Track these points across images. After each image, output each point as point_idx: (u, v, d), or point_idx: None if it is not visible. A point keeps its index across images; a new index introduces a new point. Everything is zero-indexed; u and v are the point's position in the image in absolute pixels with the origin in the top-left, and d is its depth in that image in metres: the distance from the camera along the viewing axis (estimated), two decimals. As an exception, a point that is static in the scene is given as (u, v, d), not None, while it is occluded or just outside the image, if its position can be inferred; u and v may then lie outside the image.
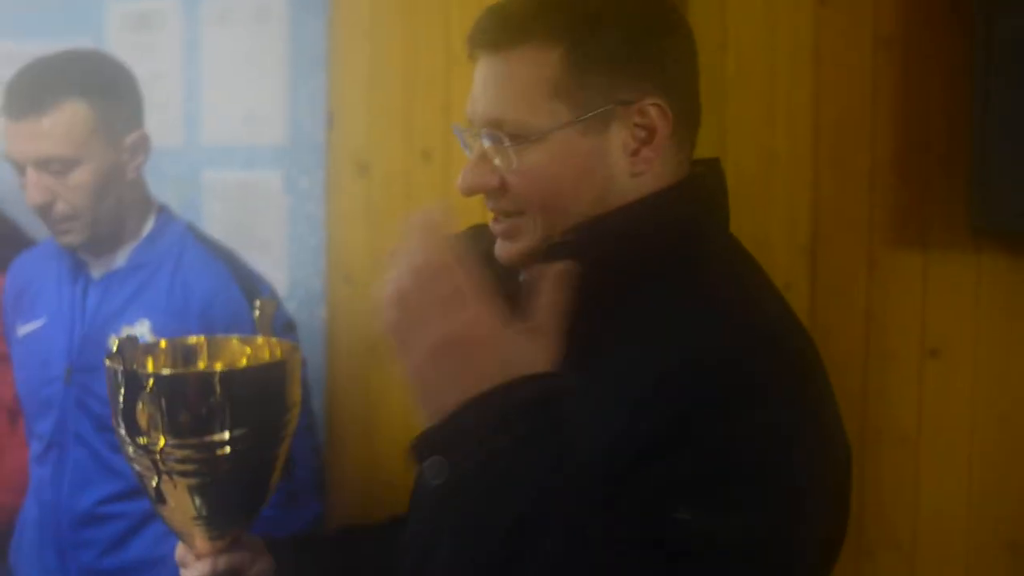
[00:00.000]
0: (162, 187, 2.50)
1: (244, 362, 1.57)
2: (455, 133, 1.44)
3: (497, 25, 1.36)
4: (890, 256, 2.33)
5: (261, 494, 1.53)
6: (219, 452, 1.42)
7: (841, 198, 2.37)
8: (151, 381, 1.39)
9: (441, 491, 1.16)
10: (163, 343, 1.59)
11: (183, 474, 1.43)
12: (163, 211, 2.37)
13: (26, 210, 2.32)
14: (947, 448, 2.30)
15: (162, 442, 1.40)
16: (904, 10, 2.28)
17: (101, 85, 2.24)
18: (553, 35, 1.32)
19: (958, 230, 2.25)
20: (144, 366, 1.52)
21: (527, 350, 1.19)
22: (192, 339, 1.60)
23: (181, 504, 1.46)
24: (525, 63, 1.33)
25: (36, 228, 2.61)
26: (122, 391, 1.39)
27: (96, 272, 2.31)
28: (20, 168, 2.21)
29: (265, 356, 1.57)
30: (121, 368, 1.40)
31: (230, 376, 1.47)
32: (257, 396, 1.44)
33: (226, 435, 1.42)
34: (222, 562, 1.51)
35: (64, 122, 2.18)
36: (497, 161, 1.35)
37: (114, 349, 1.41)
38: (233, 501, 1.49)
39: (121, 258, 2.31)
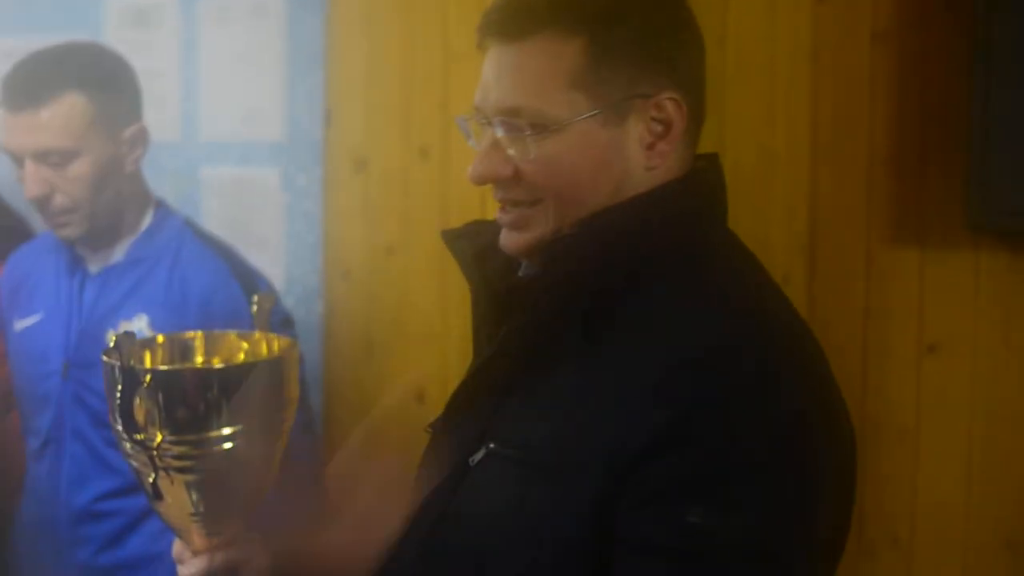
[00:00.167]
0: (160, 183, 2.50)
1: (242, 357, 1.56)
2: (457, 123, 1.43)
3: (514, 14, 1.35)
4: (888, 252, 2.34)
5: (259, 491, 1.52)
6: (216, 448, 1.42)
7: (839, 195, 2.37)
8: (148, 377, 1.39)
9: None
10: (160, 338, 1.58)
11: (180, 470, 1.42)
12: (161, 206, 2.36)
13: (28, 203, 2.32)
14: (945, 444, 2.31)
15: (159, 438, 1.40)
16: (901, 7, 2.28)
17: (100, 77, 2.24)
18: (574, 25, 1.32)
19: (956, 227, 2.26)
20: (141, 362, 1.51)
21: None
22: (189, 335, 1.59)
23: (178, 500, 1.45)
24: (544, 52, 1.32)
25: (39, 220, 2.60)
26: (119, 387, 1.39)
27: (94, 266, 2.31)
28: (19, 160, 2.21)
29: (263, 352, 1.56)
30: (118, 364, 1.40)
31: (228, 372, 1.47)
32: (255, 392, 1.43)
33: (224, 431, 1.41)
34: (219, 559, 1.50)
35: (63, 114, 2.18)
36: (511, 150, 1.34)
37: (111, 345, 1.41)
38: (230, 498, 1.48)
39: (119, 252, 2.30)
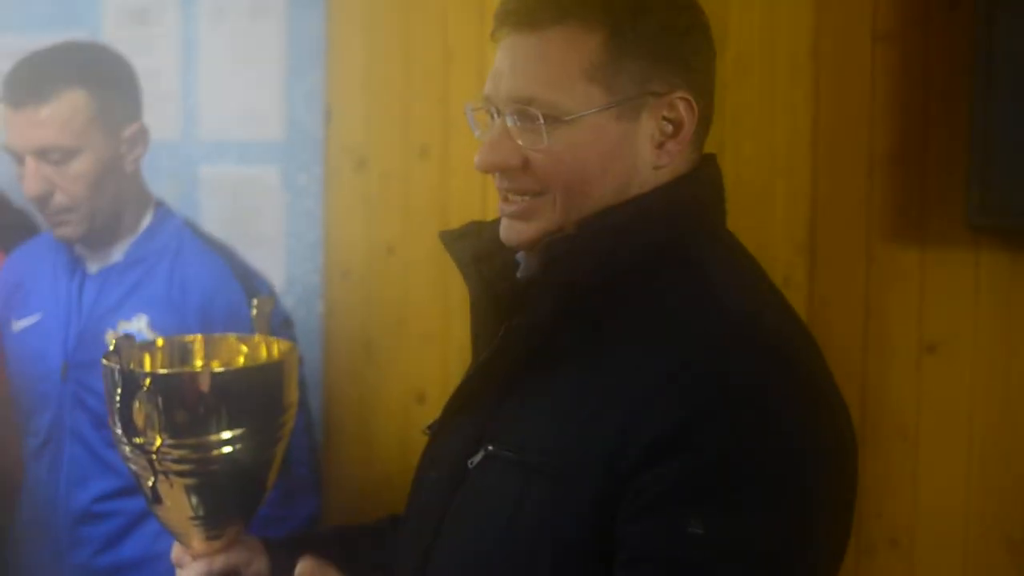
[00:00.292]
0: (160, 182, 2.50)
1: (241, 361, 1.57)
2: (465, 111, 1.43)
3: (533, 4, 1.34)
4: (888, 252, 2.33)
5: (258, 494, 1.52)
6: (216, 452, 1.42)
7: (839, 195, 2.36)
8: (148, 380, 1.39)
9: None
10: (160, 342, 1.58)
11: (180, 474, 1.42)
12: (161, 206, 2.36)
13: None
14: (945, 443, 2.30)
15: (158, 442, 1.40)
16: (903, 7, 2.27)
17: (100, 75, 2.24)
18: (594, 18, 1.32)
19: (956, 226, 2.25)
20: (141, 365, 1.52)
21: None
22: (189, 338, 1.59)
23: (177, 504, 1.45)
24: (562, 43, 1.32)
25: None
26: (118, 390, 1.39)
27: (93, 267, 2.31)
28: (19, 158, 2.21)
29: (262, 355, 1.57)
30: (118, 367, 1.40)
31: (227, 376, 1.47)
32: (254, 396, 1.43)
33: (223, 435, 1.41)
34: (218, 562, 1.51)
35: (64, 111, 2.18)
36: (520, 140, 1.34)
37: (111, 348, 1.41)
38: (230, 501, 1.48)
39: (118, 253, 2.30)
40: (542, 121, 1.32)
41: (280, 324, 2.26)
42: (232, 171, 3.02)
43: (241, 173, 3.01)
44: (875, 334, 2.35)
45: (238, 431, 1.42)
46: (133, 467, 1.45)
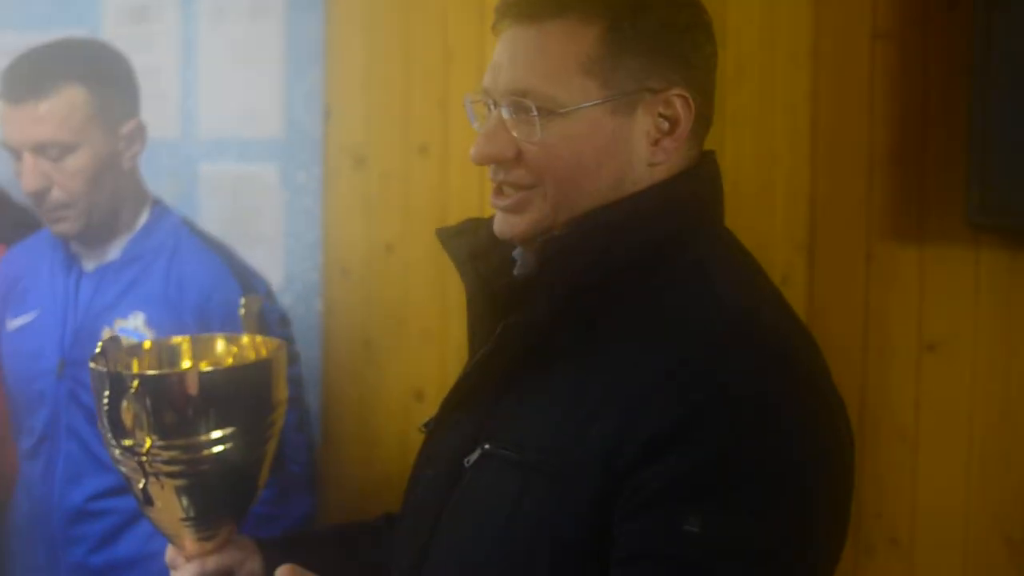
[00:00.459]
0: (159, 180, 2.50)
1: (230, 362, 1.57)
2: (465, 103, 1.43)
3: None
4: (888, 251, 2.33)
5: (249, 493, 1.52)
6: (206, 452, 1.42)
7: (839, 194, 2.36)
8: (136, 382, 1.39)
9: None
10: (147, 344, 1.58)
11: (170, 475, 1.42)
12: (158, 204, 2.36)
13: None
14: (945, 443, 2.30)
15: (148, 443, 1.40)
16: (902, 7, 2.27)
17: (99, 72, 2.25)
18: (594, 12, 1.32)
19: (956, 225, 2.24)
20: (129, 367, 1.51)
21: None
22: (176, 339, 1.60)
23: (169, 505, 1.45)
24: (561, 36, 1.32)
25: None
26: (106, 393, 1.39)
27: (89, 264, 2.31)
28: (17, 154, 2.22)
29: (251, 354, 1.57)
30: (105, 370, 1.40)
31: (215, 376, 1.47)
32: (242, 396, 1.43)
33: (212, 435, 1.41)
34: (212, 563, 1.51)
35: (62, 107, 2.18)
36: (515, 132, 1.34)
37: (98, 351, 1.41)
38: (221, 501, 1.48)
39: (115, 250, 2.30)
40: (536, 113, 1.32)
41: (277, 322, 2.26)
42: (231, 169, 3.03)
43: (240, 171, 3.01)
44: (875, 333, 2.35)
45: (227, 431, 1.42)
46: (124, 469, 1.45)
